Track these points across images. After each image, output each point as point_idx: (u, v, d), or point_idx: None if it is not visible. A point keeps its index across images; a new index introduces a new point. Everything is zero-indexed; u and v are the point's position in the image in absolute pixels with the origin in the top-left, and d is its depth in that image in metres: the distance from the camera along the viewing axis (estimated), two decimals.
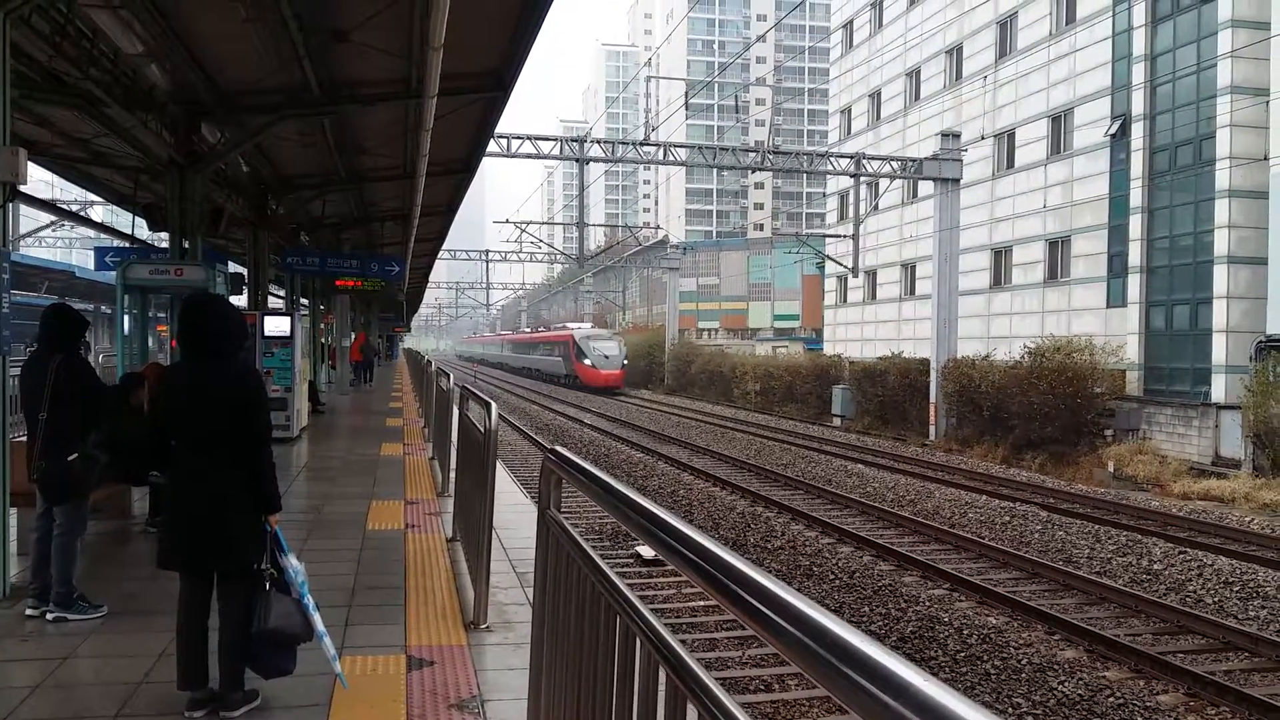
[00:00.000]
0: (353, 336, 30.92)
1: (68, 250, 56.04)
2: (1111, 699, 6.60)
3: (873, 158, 31.53)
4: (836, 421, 31.52)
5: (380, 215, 19.93)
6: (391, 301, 45.09)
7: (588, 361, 46.69)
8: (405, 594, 5.45)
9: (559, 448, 2.99)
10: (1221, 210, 26.37)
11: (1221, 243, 25.62)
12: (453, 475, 7.92)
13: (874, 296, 44.76)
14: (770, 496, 14.09)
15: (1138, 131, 29.42)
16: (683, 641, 1.70)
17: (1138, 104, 29.39)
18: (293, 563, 3.81)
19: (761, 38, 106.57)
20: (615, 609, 2.08)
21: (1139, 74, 29.30)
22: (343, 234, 21.52)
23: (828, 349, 45.46)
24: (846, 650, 0.99)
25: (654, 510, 1.90)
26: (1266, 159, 24.60)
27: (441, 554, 6.44)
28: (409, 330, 79.34)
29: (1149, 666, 7.16)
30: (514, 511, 7.89)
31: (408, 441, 13.39)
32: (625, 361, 48.50)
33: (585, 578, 2.42)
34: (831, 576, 9.71)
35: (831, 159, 32.16)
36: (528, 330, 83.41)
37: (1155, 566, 10.25)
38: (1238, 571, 9.99)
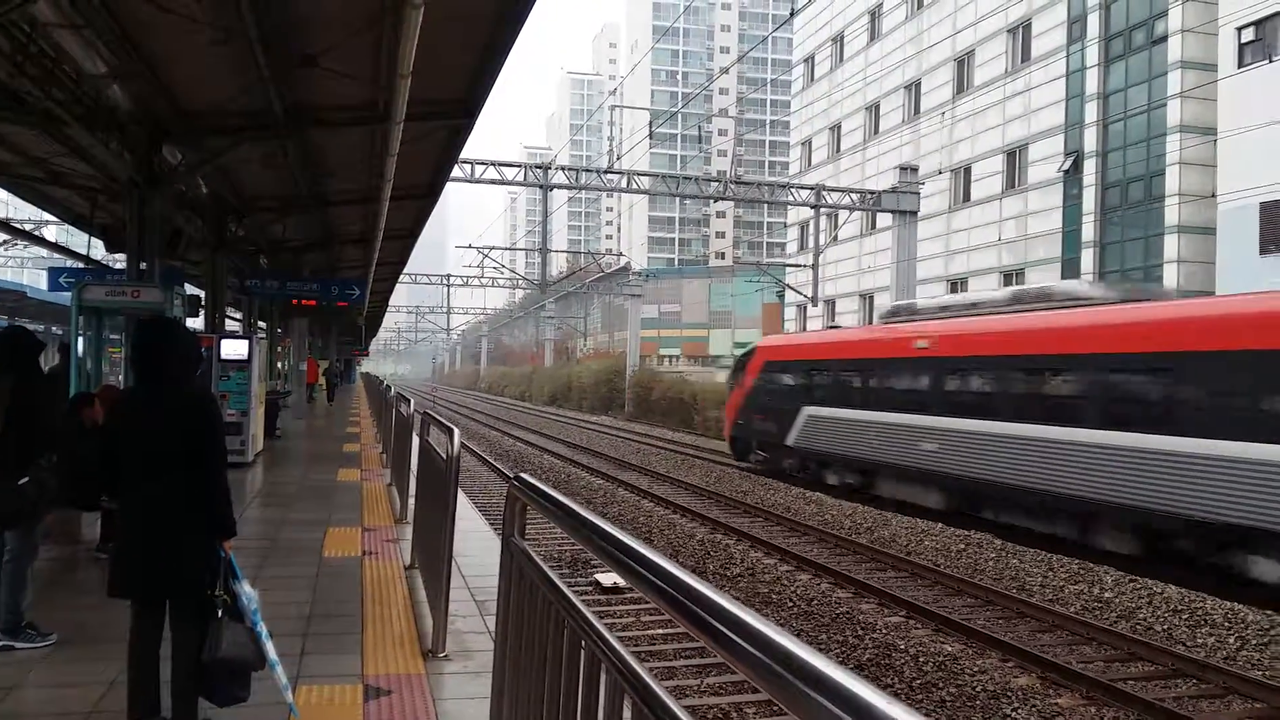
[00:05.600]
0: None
1: (19, 270, 54.95)
2: None
3: (832, 189, 32.05)
4: None
5: (342, 239, 19.86)
6: (351, 325, 44.74)
7: None
8: (362, 622, 5.40)
9: (524, 474, 3.02)
10: (1171, 245, 27.15)
11: (1170, 277, 26.35)
12: (411, 501, 7.87)
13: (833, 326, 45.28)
14: (730, 524, 14.14)
15: (1090, 168, 30.26)
16: (648, 669, 1.73)
17: (1090, 141, 30.25)
18: (246, 589, 3.78)
19: (725, 70, 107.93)
20: (580, 635, 2.10)
21: (1092, 112, 30.18)
22: (303, 257, 21.37)
23: None
24: (812, 674, 1.03)
25: (622, 538, 1.94)
26: (1214, 196, 25.40)
27: (399, 581, 6.39)
28: (366, 354, 78.31)
29: (1100, 693, 7.28)
30: (473, 539, 7.86)
31: (365, 467, 13.28)
32: None
33: (549, 604, 2.45)
34: (790, 604, 9.76)
35: (792, 190, 32.64)
36: None
37: (1106, 594, 10.44)
38: (1186, 599, 10.20)
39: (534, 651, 2.62)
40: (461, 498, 9.59)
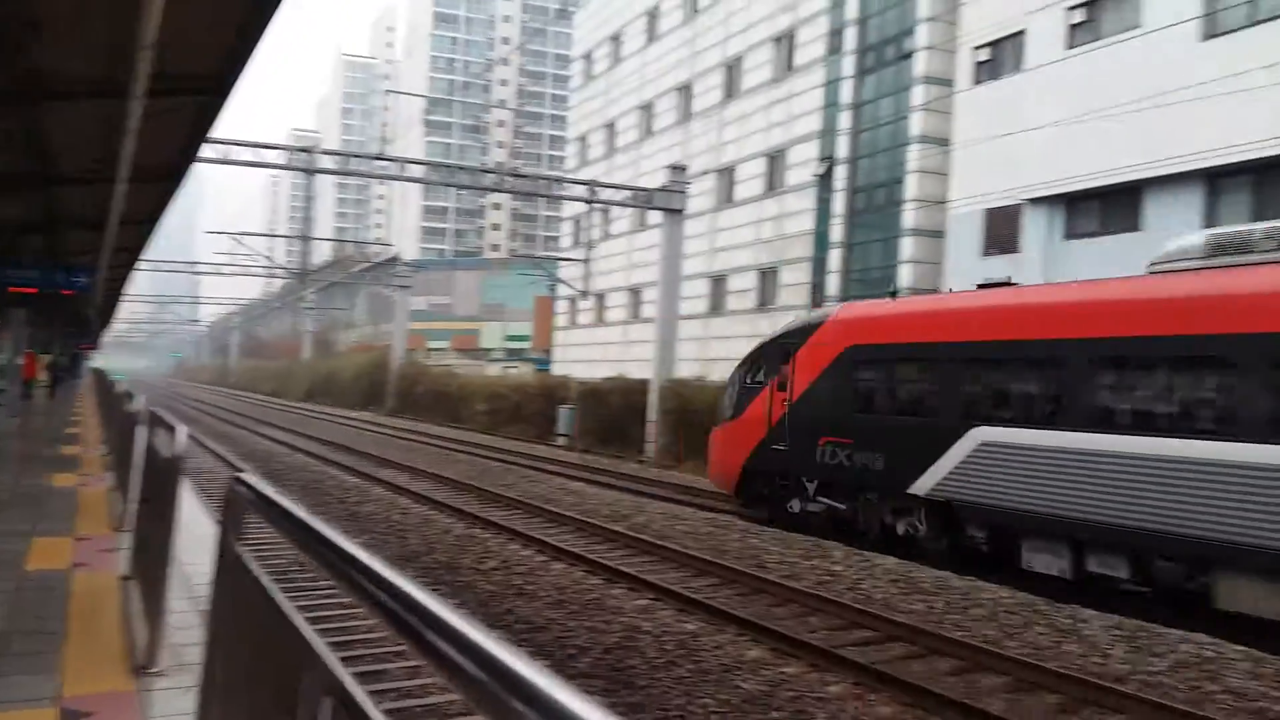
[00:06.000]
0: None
1: None
2: (789, 692, 7.24)
3: (606, 185, 32.59)
4: (561, 441, 32.11)
5: (70, 222, 18.02)
6: (78, 316, 40.60)
7: None
8: (65, 638, 5.00)
9: (246, 475, 2.92)
10: (906, 247, 29.69)
11: (905, 276, 28.81)
12: (134, 507, 7.33)
13: (602, 319, 46.14)
14: (488, 517, 14.14)
15: (841, 173, 32.55)
16: (356, 674, 1.72)
17: (843, 148, 32.52)
18: None
19: (504, 60, 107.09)
20: (286, 642, 2.07)
21: (845, 121, 32.42)
22: (19, 239, 19.20)
23: (557, 370, 46.28)
24: (510, 677, 1.05)
25: (331, 537, 1.90)
26: (944, 203, 28.06)
27: (113, 594, 5.96)
28: (97, 347, 71.22)
29: (823, 660, 7.92)
30: (204, 545, 7.39)
31: (85, 471, 12.20)
32: None
33: (258, 610, 2.38)
34: (543, 594, 9.92)
35: (567, 184, 32.93)
36: None
37: (836, 568, 11.38)
38: (903, 568, 11.31)
39: (242, 660, 2.56)
40: (196, 503, 9.04)
